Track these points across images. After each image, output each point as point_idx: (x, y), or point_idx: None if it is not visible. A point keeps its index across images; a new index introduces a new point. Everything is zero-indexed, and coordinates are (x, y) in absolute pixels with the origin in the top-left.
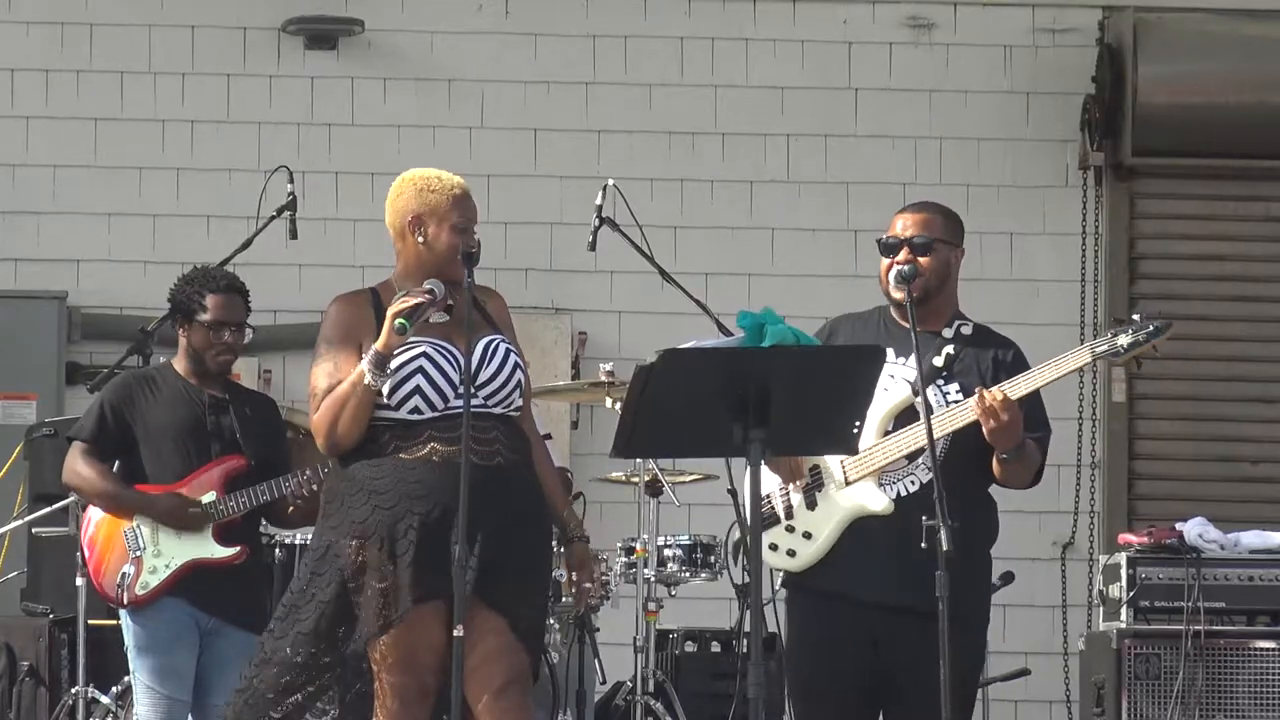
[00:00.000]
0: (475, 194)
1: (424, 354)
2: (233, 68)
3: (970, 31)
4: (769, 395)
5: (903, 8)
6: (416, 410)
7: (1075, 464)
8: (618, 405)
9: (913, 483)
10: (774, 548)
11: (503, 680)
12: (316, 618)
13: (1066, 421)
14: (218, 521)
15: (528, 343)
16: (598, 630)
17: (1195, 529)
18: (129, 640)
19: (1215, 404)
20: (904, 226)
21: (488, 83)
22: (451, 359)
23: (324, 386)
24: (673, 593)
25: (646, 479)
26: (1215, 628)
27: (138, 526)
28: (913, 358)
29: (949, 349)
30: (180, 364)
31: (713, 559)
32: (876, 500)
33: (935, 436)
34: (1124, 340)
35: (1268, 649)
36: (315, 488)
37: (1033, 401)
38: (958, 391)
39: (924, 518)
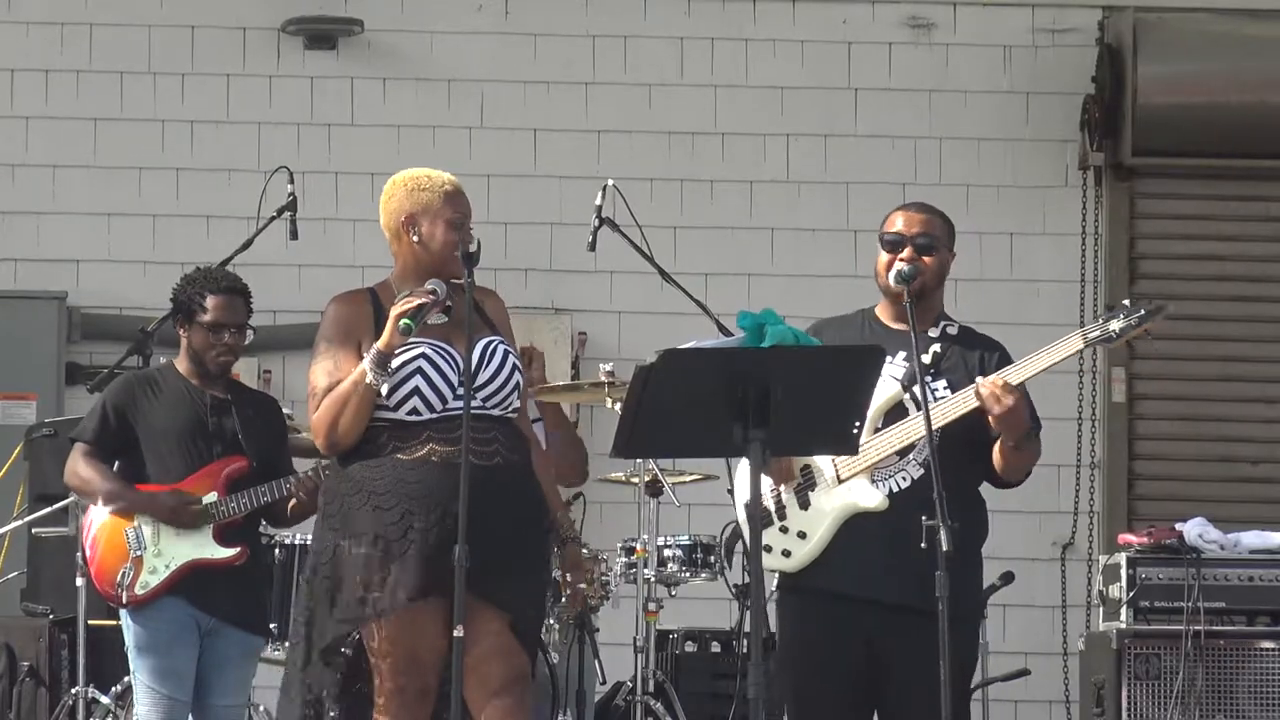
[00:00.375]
0: (475, 194)
1: (422, 355)
2: (232, 68)
3: (970, 31)
4: (769, 395)
5: (902, 8)
6: (415, 411)
7: (1075, 464)
8: (618, 405)
9: (904, 479)
10: (768, 549)
11: (503, 680)
12: (316, 617)
13: (1066, 421)
14: (219, 522)
15: (528, 343)
16: (598, 630)
17: (1195, 529)
18: (129, 640)
19: (1215, 404)
20: (907, 224)
21: (487, 83)
22: (450, 360)
23: (324, 385)
24: (673, 593)
25: (646, 479)
26: (1215, 628)
27: (139, 526)
28: (900, 356)
29: (935, 347)
30: (182, 364)
31: (713, 559)
32: (871, 497)
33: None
34: (1116, 325)
35: (1268, 649)
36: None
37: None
38: (945, 388)
39: (924, 518)
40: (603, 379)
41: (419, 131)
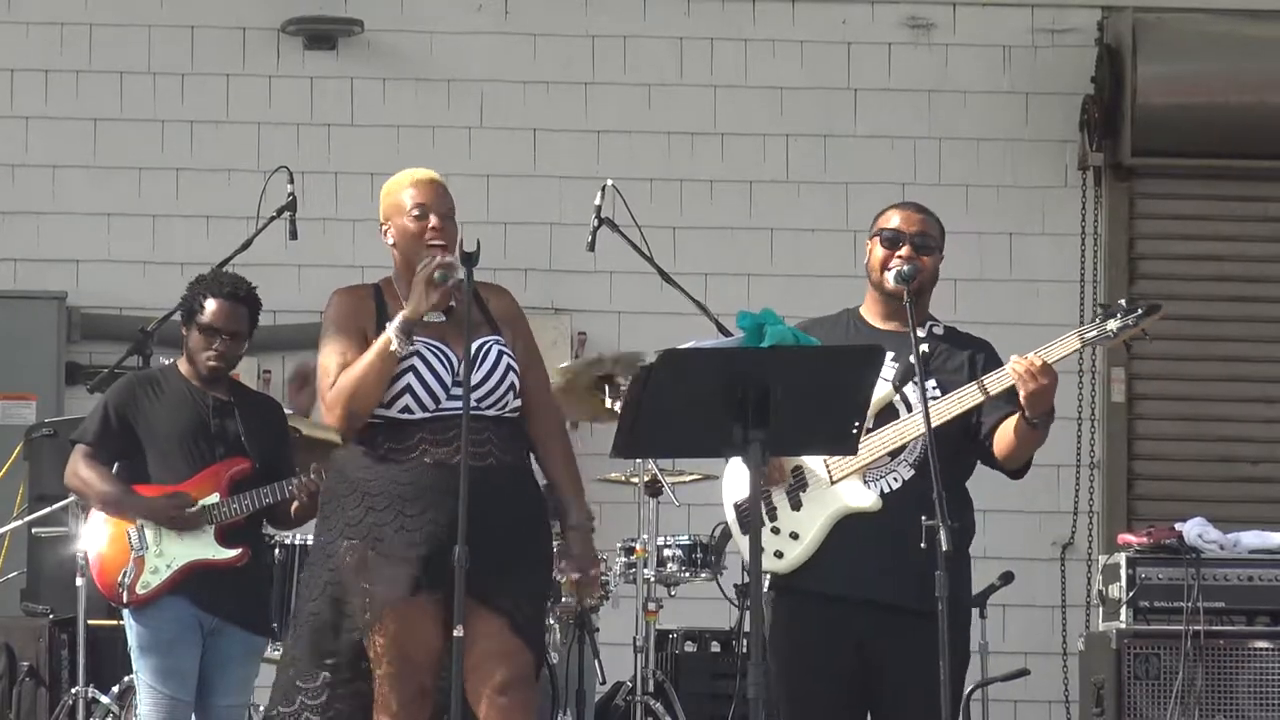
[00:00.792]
0: (475, 194)
1: (416, 353)
2: (232, 68)
3: (969, 32)
4: (769, 395)
5: (902, 8)
6: (407, 410)
7: (1075, 464)
8: (618, 405)
9: (896, 479)
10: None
11: (503, 680)
12: (314, 616)
13: (1066, 421)
14: (221, 523)
15: None
16: (598, 630)
17: (1195, 529)
18: (132, 640)
19: (1215, 404)
20: (906, 223)
21: (487, 83)
22: (443, 360)
23: (336, 364)
24: (672, 593)
25: (646, 479)
26: (1215, 628)
27: (140, 526)
28: (889, 356)
29: (924, 347)
30: (184, 366)
31: (712, 559)
32: (864, 498)
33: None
34: (1112, 325)
35: (1267, 649)
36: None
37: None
38: (935, 388)
39: (924, 518)
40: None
41: (419, 131)
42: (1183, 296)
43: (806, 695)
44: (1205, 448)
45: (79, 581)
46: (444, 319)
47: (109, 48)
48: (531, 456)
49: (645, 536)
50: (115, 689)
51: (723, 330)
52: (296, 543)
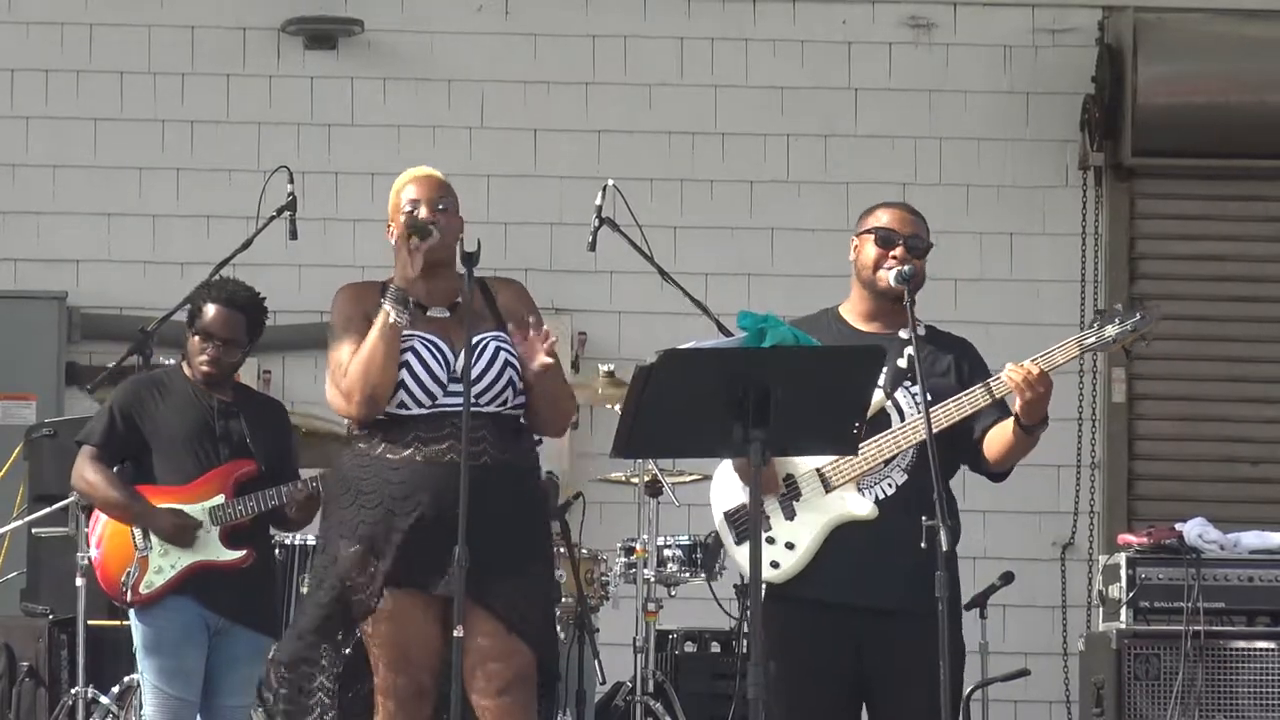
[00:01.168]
0: (475, 194)
1: (411, 349)
2: (232, 68)
3: (970, 31)
4: (769, 395)
5: (902, 8)
6: (403, 405)
7: (1075, 464)
8: (618, 405)
9: (890, 486)
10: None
11: (504, 679)
12: (315, 617)
13: (1066, 422)
14: (225, 525)
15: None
16: (598, 630)
17: (1195, 529)
18: (137, 640)
19: (1215, 404)
20: (900, 224)
21: (487, 83)
22: (438, 355)
23: (348, 355)
24: (672, 593)
25: (646, 479)
26: (1215, 628)
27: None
28: None
29: (909, 350)
30: (188, 368)
31: (710, 562)
32: (861, 506)
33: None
34: (1111, 331)
35: (1268, 649)
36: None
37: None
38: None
39: (924, 518)
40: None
41: (419, 131)
42: (1183, 296)
43: (809, 703)
44: (1205, 448)
45: (79, 581)
46: (447, 314)
47: (109, 48)
48: (535, 454)
49: (645, 536)
50: (115, 689)
51: (723, 330)
52: (296, 543)
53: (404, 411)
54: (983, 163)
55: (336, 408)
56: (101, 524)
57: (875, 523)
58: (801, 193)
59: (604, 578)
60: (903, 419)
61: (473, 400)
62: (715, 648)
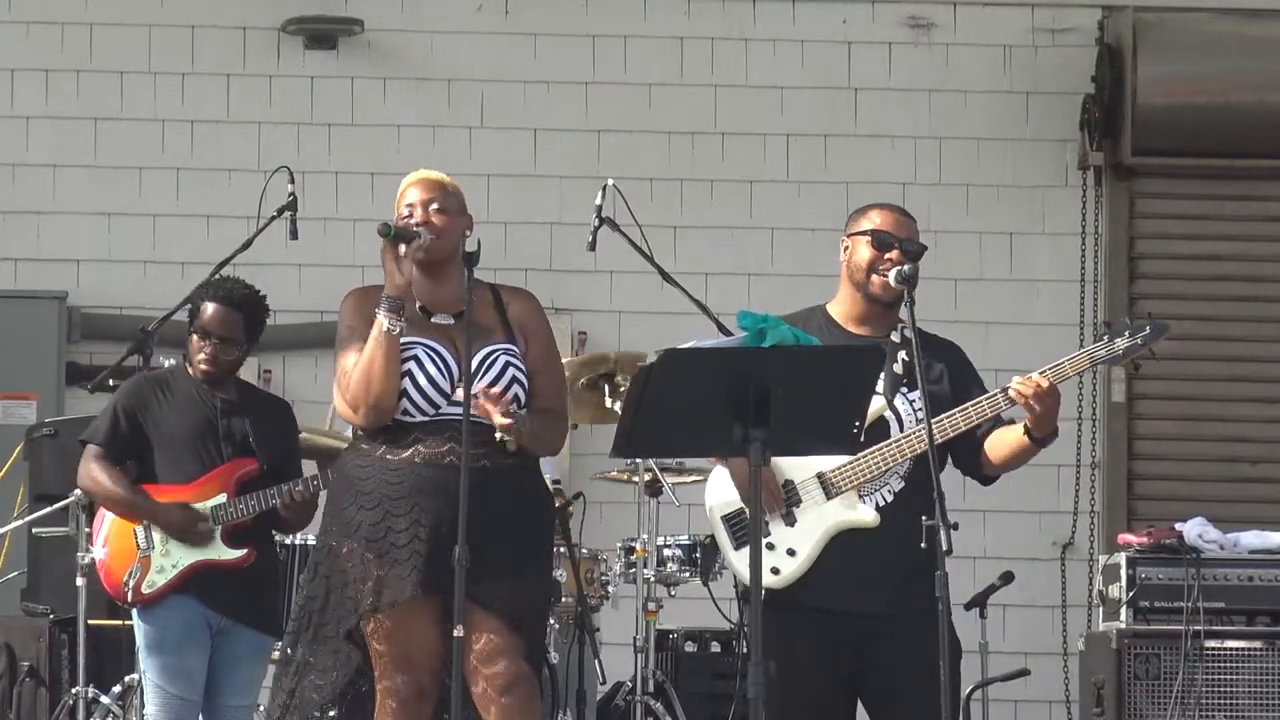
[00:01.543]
0: (475, 194)
1: (414, 358)
2: (232, 68)
3: (970, 31)
4: (769, 395)
5: (902, 8)
6: (406, 413)
7: (1075, 464)
8: (618, 405)
9: (889, 492)
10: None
11: (506, 680)
12: (316, 617)
13: (1066, 422)
14: (227, 524)
15: None
16: (598, 630)
17: (1195, 529)
18: (139, 640)
19: (1215, 404)
20: (896, 227)
21: (488, 83)
22: (441, 365)
23: (353, 363)
24: (672, 593)
25: (646, 479)
26: (1215, 628)
27: (148, 526)
28: None
29: (902, 354)
30: (191, 367)
31: (708, 564)
32: (864, 513)
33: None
34: (1122, 344)
35: (1267, 649)
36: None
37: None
38: (919, 397)
39: (924, 518)
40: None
41: (419, 131)
42: (1183, 296)
43: (809, 702)
44: (1205, 448)
45: (79, 581)
46: (452, 321)
47: (109, 48)
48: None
49: (645, 536)
50: (116, 689)
51: (723, 330)
52: (298, 543)
53: (408, 419)
54: (982, 162)
55: (344, 416)
56: (107, 524)
57: (876, 529)
58: (801, 192)
59: (604, 577)
60: (902, 427)
61: (476, 412)
62: (715, 648)
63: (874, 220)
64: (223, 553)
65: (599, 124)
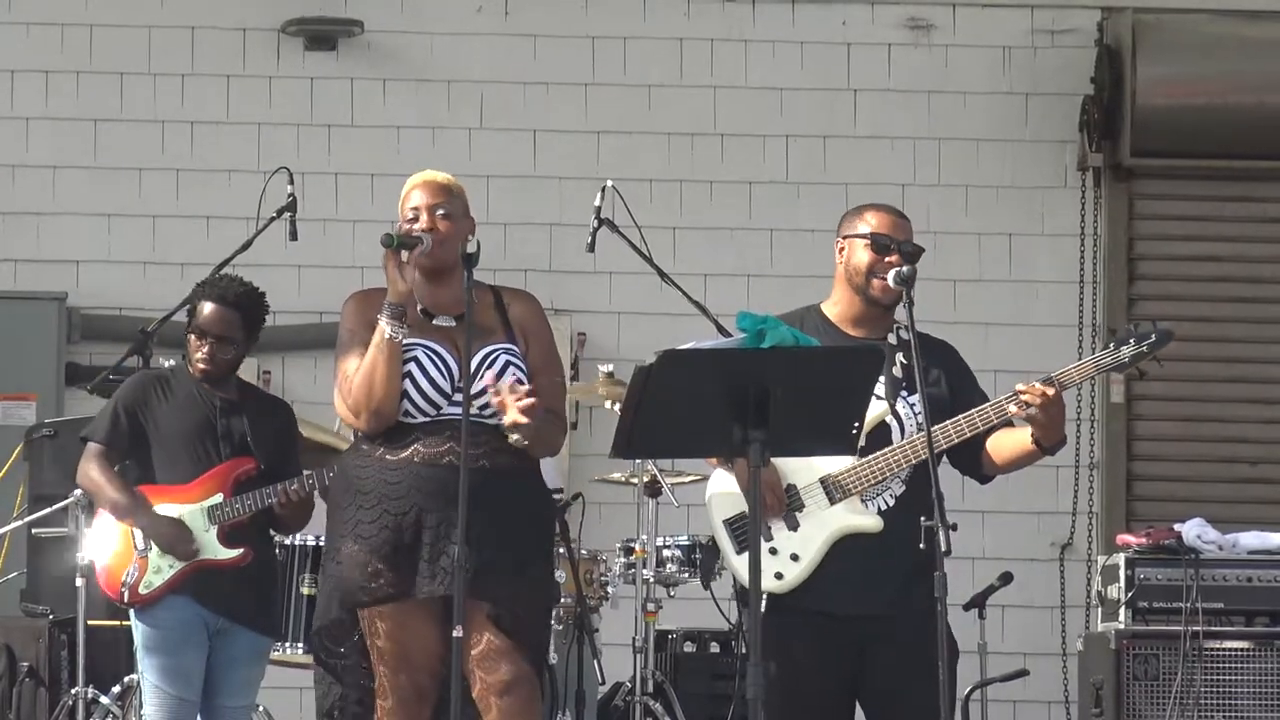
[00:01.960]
0: (475, 194)
1: (414, 359)
2: (232, 69)
3: (969, 32)
4: (768, 395)
5: (902, 9)
6: (406, 414)
7: (1074, 464)
8: (617, 406)
9: (890, 497)
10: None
11: (506, 681)
12: (321, 617)
13: (1066, 423)
14: (224, 524)
15: None
16: (597, 630)
17: (1194, 530)
18: (138, 640)
19: (1215, 404)
20: (894, 229)
21: (487, 84)
22: (441, 366)
23: (354, 368)
24: (672, 593)
25: (646, 479)
26: (1214, 628)
27: None
28: None
29: (900, 356)
30: (191, 366)
31: (708, 566)
32: (868, 519)
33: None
34: (1128, 352)
35: (1266, 649)
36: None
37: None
38: (918, 400)
39: (923, 518)
40: (601, 382)
41: (419, 132)
42: (1182, 297)
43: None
44: (1205, 448)
45: (79, 581)
46: (453, 323)
47: (109, 48)
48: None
49: (645, 537)
50: (115, 689)
51: (723, 330)
52: (296, 543)
53: (409, 420)
54: (982, 163)
55: (345, 420)
56: (104, 524)
57: (878, 533)
58: (800, 193)
59: (603, 578)
60: (903, 432)
61: (477, 411)
62: (715, 648)
63: (870, 222)
64: (219, 552)
65: (598, 125)
